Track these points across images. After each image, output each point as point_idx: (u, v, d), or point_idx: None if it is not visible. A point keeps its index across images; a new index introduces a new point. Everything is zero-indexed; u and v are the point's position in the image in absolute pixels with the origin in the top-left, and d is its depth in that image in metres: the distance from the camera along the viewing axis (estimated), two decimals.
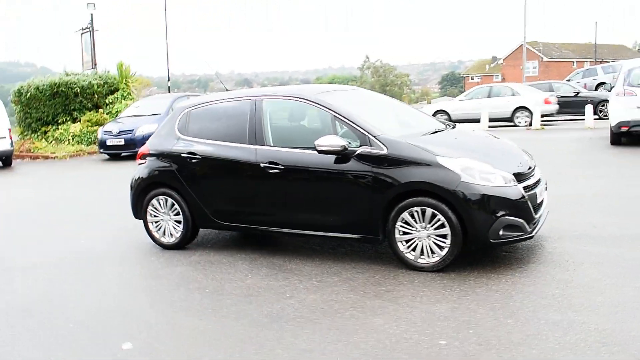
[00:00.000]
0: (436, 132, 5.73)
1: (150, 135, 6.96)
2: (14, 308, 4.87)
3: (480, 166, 4.97)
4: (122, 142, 15.85)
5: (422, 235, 5.02)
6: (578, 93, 21.26)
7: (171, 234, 6.32)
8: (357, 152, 5.20)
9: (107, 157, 16.68)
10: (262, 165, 5.61)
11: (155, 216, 6.38)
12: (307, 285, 4.95)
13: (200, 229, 6.45)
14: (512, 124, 20.08)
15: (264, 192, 5.70)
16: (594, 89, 24.74)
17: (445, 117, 20.54)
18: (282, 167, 5.52)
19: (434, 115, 18.77)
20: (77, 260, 6.19)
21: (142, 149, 6.57)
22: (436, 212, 4.91)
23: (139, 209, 6.52)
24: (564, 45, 72.31)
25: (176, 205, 6.21)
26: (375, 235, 5.24)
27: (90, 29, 21.00)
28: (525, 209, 4.97)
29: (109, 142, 16.05)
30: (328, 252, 5.88)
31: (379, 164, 5.11)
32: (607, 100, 19.68)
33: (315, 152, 5.42)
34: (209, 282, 5.21)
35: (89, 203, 9.75)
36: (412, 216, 5.02)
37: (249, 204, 5.84)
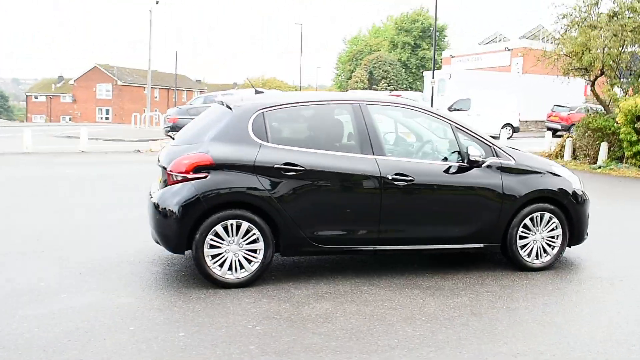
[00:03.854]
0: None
1: None
2: None
3: (569, 172, 5.85)
4: None
5: (537, 238, 5.57)
6: None
7: (241, 267, 4.92)
8: (486, 163, 5.37)
9: None
10: (389, 177, 5.09)
11: (216, 247, 4.85)
12: (462, 301, 4.76)
13: None
14: None
15: (387, 208, 5.14)
16: None
17: None
18: (411, 179, 5.15)
19: None
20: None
21: (196, 159, 4.82)
22: (552, 215, 5.56)
23: (187, 240, 4.83)
24: (136, 71, 74.91)
25: (255, 231, 4.89)
26: (497, 243, 5.49)
27: None
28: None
29: None
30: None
31: (508, 173, 5.42)
32: None
33: (437, 162, 5.38)
34: (373, 309, 4.53)
35: None
36: (532, 220, 5.52)
37: (367, 223, 5.14)
